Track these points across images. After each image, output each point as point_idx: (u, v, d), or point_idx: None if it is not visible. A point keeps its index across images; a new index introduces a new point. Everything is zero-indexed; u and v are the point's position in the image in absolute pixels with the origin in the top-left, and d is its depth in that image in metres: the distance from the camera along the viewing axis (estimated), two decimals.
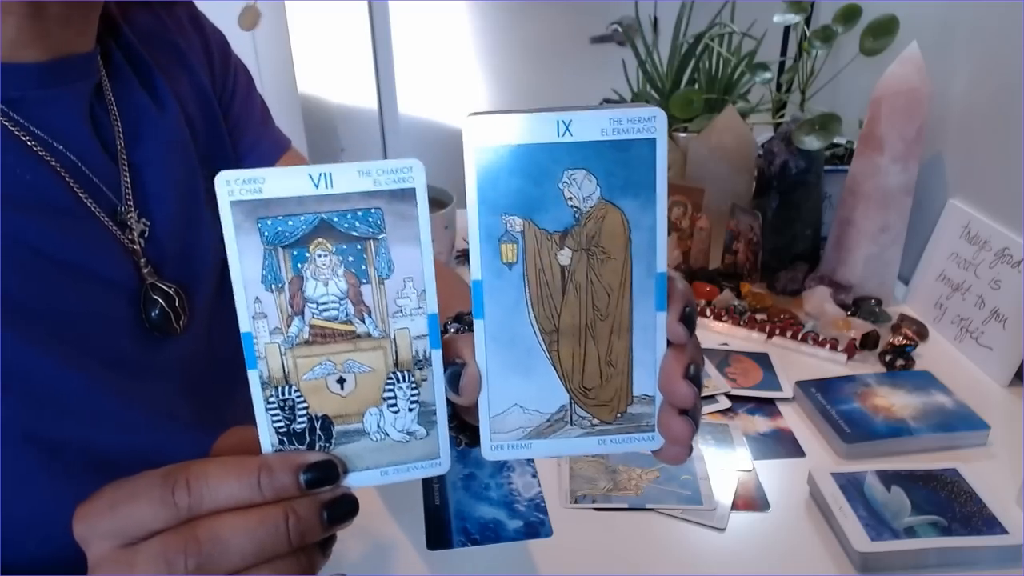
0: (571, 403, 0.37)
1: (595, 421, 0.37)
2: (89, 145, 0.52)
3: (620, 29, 2.07)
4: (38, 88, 0.49)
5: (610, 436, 0.38)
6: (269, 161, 0.69)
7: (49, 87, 0.49)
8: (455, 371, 0.36)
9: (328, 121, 2.20)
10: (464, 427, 0.47)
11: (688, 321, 0.36)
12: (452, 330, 0.46)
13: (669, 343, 0.36)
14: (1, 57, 0.46)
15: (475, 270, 0.35)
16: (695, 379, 0.36)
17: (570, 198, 0.34)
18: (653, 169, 0.34)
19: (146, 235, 0.55)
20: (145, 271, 0.54)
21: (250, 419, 0.47)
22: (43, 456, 0.46)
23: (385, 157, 2.51)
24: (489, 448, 0.37)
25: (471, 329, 0.41)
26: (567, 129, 0.33)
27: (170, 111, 0.59)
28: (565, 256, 0.35)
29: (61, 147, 0.50)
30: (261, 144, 0.69)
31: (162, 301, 0.54)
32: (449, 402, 0.42)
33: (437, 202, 1.14)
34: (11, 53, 0.47)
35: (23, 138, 0.48)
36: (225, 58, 0.68)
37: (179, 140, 0.60)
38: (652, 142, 0.34)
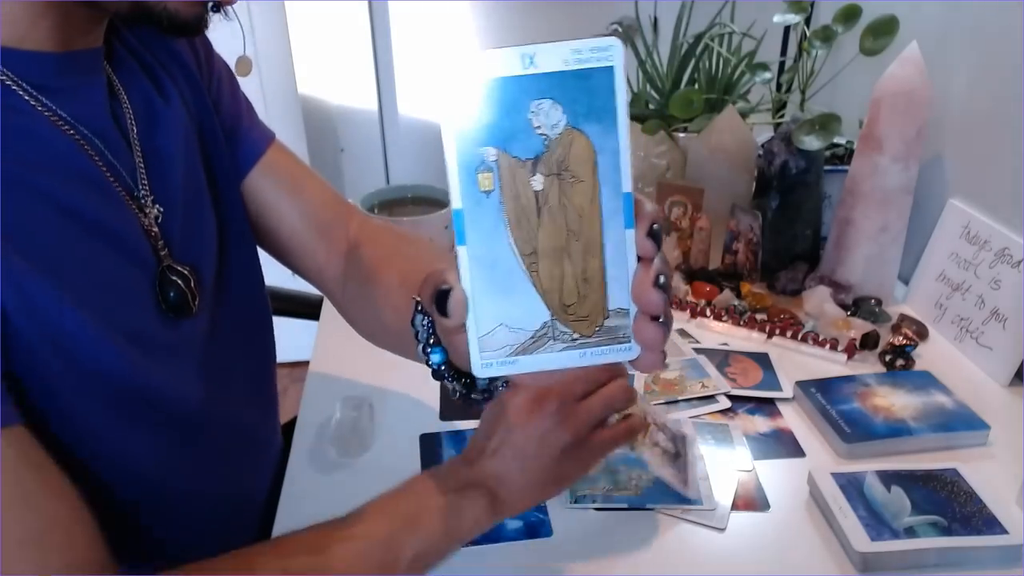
0: (552, 320, 0.40)
1: (575, 336, 0.40)
2: (110, 131, 0.54)
3: (620, 29, 2.07)
4: (62, 76, 0.51)
5: (590, 348, 0.40)
6: (258, 152, 0.72)
7: (72, 76, 0.52)
8: (442, 294, 0.39)
9: (328, 121, 2.20)
10: (459, 375, 0.50)
11: (655, 236, 0.39)
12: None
13: (639, 258, 0.39)
14: (30, 47, 0.49)
15: (455, 200, 0.37)
16: (664, 288, 0.39)
17: (538, 127, 0.37)
18: (613, 95, 0.36)
19: (160, 219, 0.57)
20: (163, 253, 0.56)
21: (252, 395, 0.57)
22: (85, 381, 0.50)
23: (385, 157, 2.52)
24: (480, 366, 0.40)
25: None
26: (532, 62, 0.36)
27: (174, 103, 0.62)
28: (538, 182, 0.37)
29: (87, 130, 0.52)
30: (250, 136, 0.72)
31: (180, 282, 0.56)
32: (441, 348, 0.48)
33: (437, 202, 1.14)
34: (38, 44, 0.49)
35: (53, 120, 0.50)
36: (209, 57, 0.70)
37: (184, 130, 0.62)
38: (611, 70, 0.36)
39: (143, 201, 0.56)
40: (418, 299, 0.50)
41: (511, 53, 0.35)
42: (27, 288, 0.45)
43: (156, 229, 0.56)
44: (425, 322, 0.49)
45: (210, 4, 0.52)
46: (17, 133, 0.48)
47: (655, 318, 0.40)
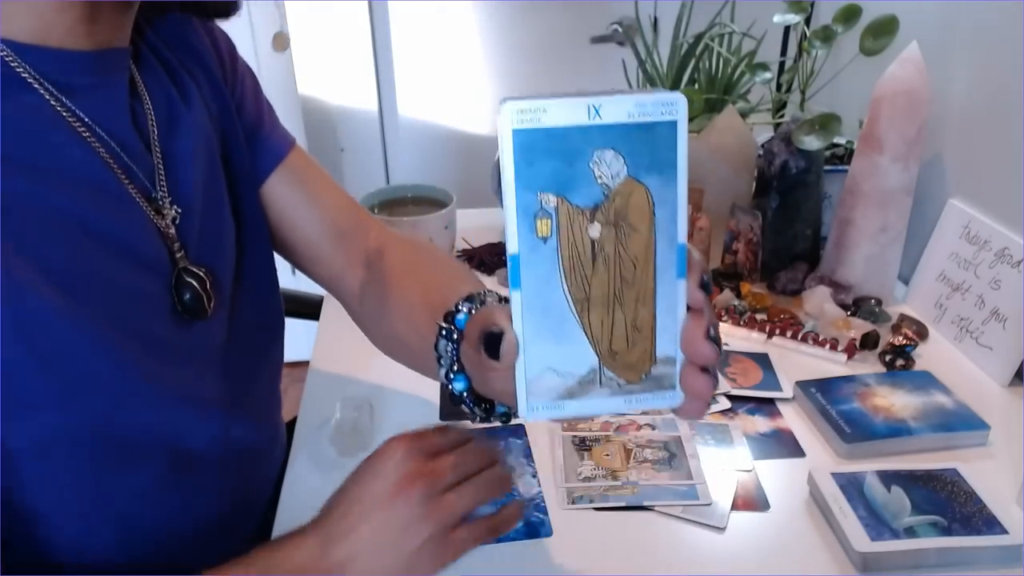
0: (600, 366, 0.40)
1: (622, 382, 0.40)
2: (128, 133, 0.54)
3: (620, 29, 2.07)
4: (84, 75, 0.51)
5: (635, 395, 0.41)
6: (278, 157, 0.71)
7: (95, 75, 0.51)
8: (493, 336, 0.39)
9: (328, 121, 2.20)
10: (479, 400, 0.50)
11: (705, 288, 0.40)
12: (464, 310, 0.50)
13: (688, 308, 0.40)
14: (55, 43, 0.48)
15: (512, 244, 0.37)
16: (715, 339, 0.40)
17: (599, 176, 0.37)
18: (675, 149, 0.37)
19: (177, 221, 0.57)
20: (179, 255, 0.56)
21: (270, 399, 0.57)
22: (68, 436, 0.49)
23: (385, 157, 2.52)
24: (527, 409, 0.40)
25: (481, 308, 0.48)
26: (597, 112, 0.36)
27: (195, 105, 0.62)
28: (595, 230, 0.38)
29: (104, 133, 0.52)
30: (271, 140, 0.72)
31: (195, 284, 0.56)
32: (464, 375, 0.48)
33: (437, 202, 1.14)
34: (65, 40, 0.49)
35: (71, 121, 0.49)
36: (233, 60, 0.70)
37: (204, 133, 0.62)
38: (674, 124, 0.37)
39: (160, 203, 0.56)
40: (443, 324, 0.50)
41: (577, 104, 0.36)
42: (28, 303, 0.45)
43: (173, 231, 0.56)
44: (449, 348, 0.49)
45: None
46: (34, 139, 0.47)
47: (704, 369, 0.40)
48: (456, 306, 0.50)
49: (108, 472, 0.52)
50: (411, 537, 0.49)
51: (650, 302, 0.39)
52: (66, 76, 0.49)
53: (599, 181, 0.37)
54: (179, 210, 0.57)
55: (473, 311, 0.48)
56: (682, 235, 0.38)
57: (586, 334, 0.39)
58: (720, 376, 0.87)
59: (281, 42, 0.74)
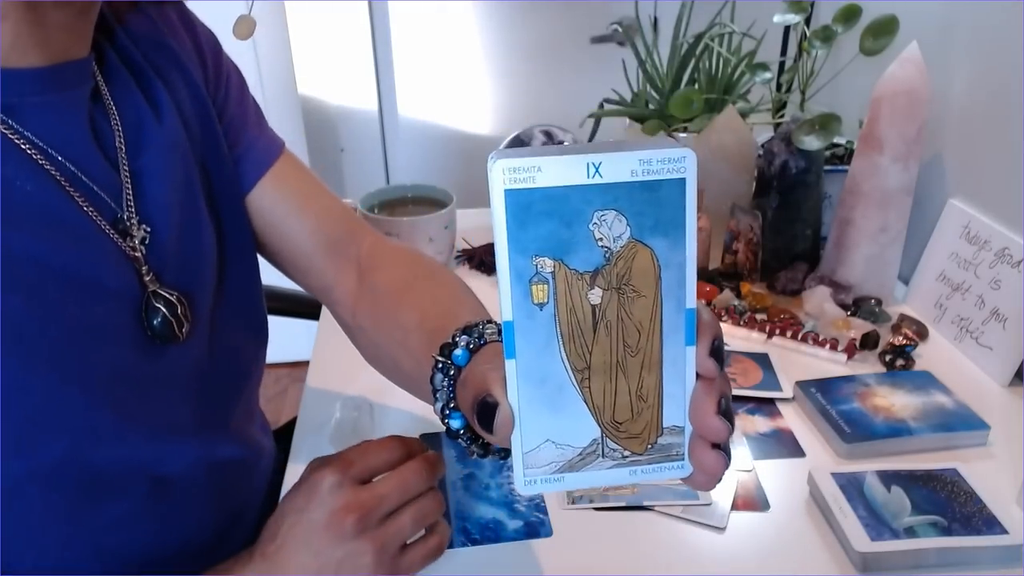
0: (602, 437, 0.37)
1: (626, 453, 0.38)
2: (88, 152, 0.51)
3: (620, 29, 2.07)
4: (37, 94, 0.47)
5: (641, 467, 0.38)
6: (266, 163, 0.68)
7: (48, 93, 0.48)
8: (487, 410, 0.37)
9: (328, 121, 2.20)
10: (476, 437, 0.46)
11: (717, 354, 0.36)
12: (462, 343, 0.45)
13: (698, 375, 0.36)
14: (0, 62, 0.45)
15: (506, 311, 0.35)
16: (727, 413, 0.36)
17: (600, 238, 0.34)
18: (683, 208, 0.34)
19: (147, 242, 0.54)
20: (147, 279, 0.53)
21: (253, 414, 0.54)
22: (38, 478, 0.47)
23: (385, 157, 2.51)
24: (523, 483, 0.38)
25: (479, 343, 0.45)
26: (597, 171, 0.33)
27: (167, 114, 0.58)
28: (596, 295, 0.35)
29: (60, 156, 0.48)
30: (257, 145, 0.68)
31: (164, 309, 0.53)
32: (460, 414, 0.45)
33: (437, 202, 1.14)
34: (9, 58, 0.45)
35: (23, 146, 0.46)
36: (217, 58, 0.66)
37: (177, 144, 0.59)
38: (682, 182, 0.34)
39: (128, 223, 0.53)
40: (439, 358, 0.46)
41: (576, 162, 0.33)
42: None
43: (140, 253, 0.53)
44: (446, 383, 0.46)
45: None
46: None
47: (715, 444, 0.37)
48: (453, 338, 0.46)
49: (82, 507, 0.50)
50: (351, 567, 0.49)
51: (656, 370, 0.36)
52: (15, 96, 0.46)
53: (600, 244, 0.34)
54: (148, 230, 0.54)
55: (471, 345, 0.45)
56: (691, 299, 0.35)
57: (587, 404, 0.37)
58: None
59: (243, 28, 0.69)
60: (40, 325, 0.46)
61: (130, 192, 0.53)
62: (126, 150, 0.54)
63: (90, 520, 0.50)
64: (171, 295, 0.54)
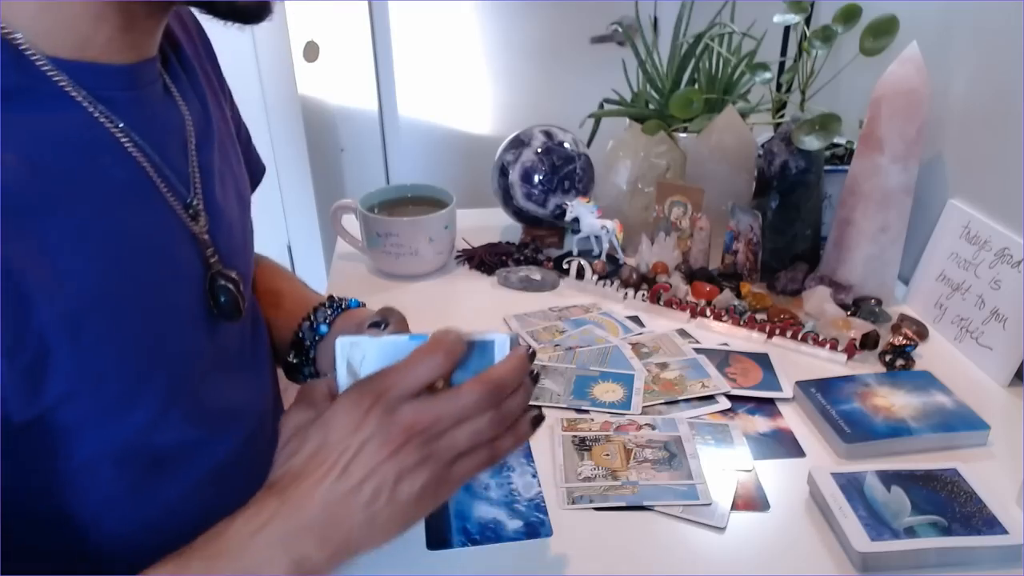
0: None
1: None
2: (169, 143, 0.56)
3: (620, 29, 2.07)
4: (127, 89, 0.52)
5: None
6: (254, 181, 0.77)
7: (134, 89, 0.52)
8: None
9: (328, 121, 2.20)
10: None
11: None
12: (322, 317, 0.73)
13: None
14: (93, 57, 0.49)
15: None
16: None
17: None
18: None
19: (207, 227, 0.58)
20: (212, 260, 0.58)
21: (274, 385, 0.71)
22: (109, 456, 0.50)
23: (385, 157, 2.52)
24: None
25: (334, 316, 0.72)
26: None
27: (214, 108, 0.64)
28: None
29: (144, 144, 0.52)
30: (250, 160, 0.75)
31: (231, 287, 0.58)
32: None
33: (437, 202, 1.14)
34: (106, 55, 0.50)
35: (118, 136, 0.50)
36: (216, 67, 0.71)
37: (228, 135, 0.66)
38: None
39: (197, 208, 0.57)
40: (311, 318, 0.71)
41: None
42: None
43: (207, 236, 0.57)
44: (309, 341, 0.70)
45: None
46: (79, 156, 0.48)
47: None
48: (316, 310, 0.72)
49: (144, 486, 0.52)
50: (407, 486, 0.48)
51: None
52: (108, 90, 0.50)
53: None
54: (209, 216, 0.58)
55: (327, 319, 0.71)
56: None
57: None
58: (720, 376, 0.87)
59: (312, 53, 0.82)
60: (124, 299, 0.49)
61: (197, 180, 0.58)
62: (195, 140, 0.59)
63: (150, 499, 0.53)
64: (233, 274, 0.59)
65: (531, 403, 0.55)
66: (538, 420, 0.55)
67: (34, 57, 0.46)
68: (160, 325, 0.52)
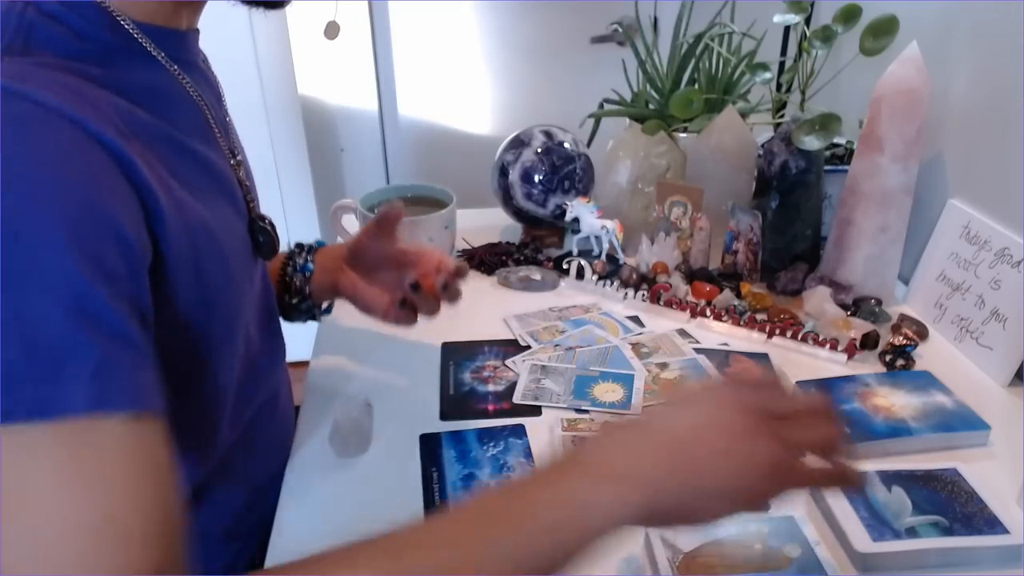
0: None
1: None
2: (213, 101, 0.63)
3: (620, 29, 2.07)
4: (187, 52, 0.59)
5: None
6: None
7: (191, 53, 0.60)
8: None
9: (328, 121, 2.20)
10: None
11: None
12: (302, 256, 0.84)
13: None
14: (163, 23, 0.56)
15: None
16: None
17: None
18: None
19: (245, 175, 0.66)
20: (252, 204, 0.66)
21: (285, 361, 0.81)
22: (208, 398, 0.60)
23: (385, 157, 2.52)
24: None
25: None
26: None
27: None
28: None
29: (201, 96, 0.60)
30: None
31: (269, 228, 0.67)
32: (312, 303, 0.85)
33: (437, 202, 1.14)
34: (168, 20, 0.56)
35: (189, 90, 0.58)
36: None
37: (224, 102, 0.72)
38: None
39: (237, 160, 0.65)
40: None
41: None
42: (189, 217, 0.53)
43: (248, 183, 0.66)
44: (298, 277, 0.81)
45: None
46: (166, 96, 0.56)
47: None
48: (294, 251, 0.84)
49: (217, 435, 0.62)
50: (749, 444, 0.47)
51: None
52: (176, 51, 0.57)
53: None
54: (243, 166, 0.66)
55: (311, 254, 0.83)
56: None
57: None
58: (720, 376, 0.87)
59: (333, 31, 0.86)
60: (220, 238, 0.57)
61: (234, 134, 0.67)
62: (221, 101, 0.66)
63: (239, 414, 0.65)
64: (268, 219, 0.68)
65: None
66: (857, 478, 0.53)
67: (123, 21, 0.52)
68: (238, 262, 0.61)
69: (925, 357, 0.92)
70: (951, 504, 0.66)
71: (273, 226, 0.68)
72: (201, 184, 0.57)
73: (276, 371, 0.76)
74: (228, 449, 0.65)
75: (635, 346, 0.94)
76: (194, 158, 0.57)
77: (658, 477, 0.45)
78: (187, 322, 0.53)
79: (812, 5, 1.20)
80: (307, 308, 0.83)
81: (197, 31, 0.61)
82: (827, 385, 0.84)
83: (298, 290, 0.82)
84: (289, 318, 0.84)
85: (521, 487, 0.46)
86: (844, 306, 0.98)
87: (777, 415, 0.49)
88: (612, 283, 1.06)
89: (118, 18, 0.51)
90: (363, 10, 2.09)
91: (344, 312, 0.86)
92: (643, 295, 1.04)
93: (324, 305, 0.86)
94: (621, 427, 0.49)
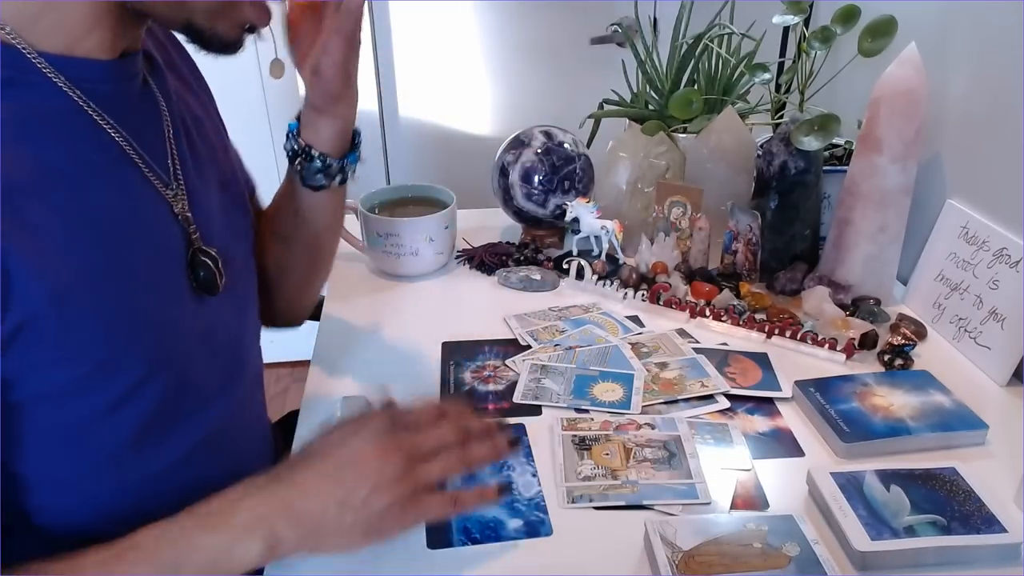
0: None
1: None
2: (146, 131, 0.60)
3: (620, 30, 2.07)
4: (108, 82, 0.56)
5: None
6: (249, 192, 0.82)
7: (117, 82, 0.57)
8: None
9: None
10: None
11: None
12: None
13: None
14: (82, 54, 0.53)
15: None
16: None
17: None
18: None
19: (190, 208, 0.63)
20: (194, 236, 0.63)
21: (255, 388, 0.77)
22: (96, 420, 0.55)
23: (385, 157, 2.52)
24: None
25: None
26: None
27: (196, 107, 0.69)
28: None
29: (126, 132, 0.57)
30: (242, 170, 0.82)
31: (209, 263, 0.63)
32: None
33: (437, 202, 1.15)
34: (90, 51, 0.54)
35: (99, 122, 0.55)
36: (200, 79, 0.76)
37: (214, 131, 0.71)
38: None
39: (177, 190, 0.62)
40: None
41: None
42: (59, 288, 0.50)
43: (189, 215, 0.62)
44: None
45: (247, 27, 0.59)
46: (67, 142, 0.53)
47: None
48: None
49: (130, 456, 0.58)
50: (380, 497, 0.54)
51: None
52: (93, 83, 0.54)
53: None
54: (188, 197, 0.63)
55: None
56: None
57: None
58: (720, 376, 0.88)
59: (278, 70, 0.87)
60: (112, 279, 0.54)
61: (177, 164, 0.63)
62: (172, 130, 0.63)
63: (132, 468, 0.58)
64: (212, 251, 0.64)
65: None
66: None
67: (24, 49, 0.50)
68: (143, 298, 0.56)
69: (923, 357, 0.93)
70: (949, 503, 0.66)
71: (217, 259, 0.64)
72: (97, 230, 0.53)
73: (225, 403, 0.69)
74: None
75: (635, 346, 0.94)
76: (88, 206, 0.53)
77: (293, 540, 0.54)
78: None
79: (811, 6, 1.20)
80: (319, 158, 0.77)
81: (135, 54, 0.59)
82: (826, 384, 0.84)
83: (301, 151, 0.75)
84: (307, 183, 0.79)
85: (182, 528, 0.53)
86: (843, 306, 0.99)
87: (401, 426, 0.58)
88: (612, 283, 1.07)
89: (17, 45, 0.50)
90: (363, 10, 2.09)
91: (344, 312, 0.87)
92: (643, 295, 1.04)
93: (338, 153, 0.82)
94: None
